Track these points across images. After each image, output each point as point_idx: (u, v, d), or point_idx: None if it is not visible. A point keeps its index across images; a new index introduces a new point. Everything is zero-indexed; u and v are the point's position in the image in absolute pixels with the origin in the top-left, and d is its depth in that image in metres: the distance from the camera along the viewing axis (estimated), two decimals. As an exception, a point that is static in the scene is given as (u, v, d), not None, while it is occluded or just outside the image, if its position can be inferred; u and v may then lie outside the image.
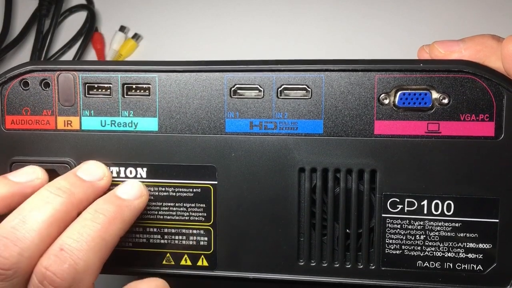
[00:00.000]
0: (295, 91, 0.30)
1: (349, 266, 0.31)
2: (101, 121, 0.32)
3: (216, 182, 0.31)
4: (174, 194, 0.31)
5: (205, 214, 0.31)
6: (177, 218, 0.32)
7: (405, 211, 0.30)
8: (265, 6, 0.54)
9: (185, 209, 0.32)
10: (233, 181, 0.31)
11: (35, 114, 0.32)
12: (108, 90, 0.31)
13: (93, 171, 0.30)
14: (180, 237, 0.32)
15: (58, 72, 0.32)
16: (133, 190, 0.30)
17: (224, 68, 0.30)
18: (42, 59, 0.55)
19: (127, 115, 0.31)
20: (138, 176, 0.32)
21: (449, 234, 0.30)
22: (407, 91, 0.29)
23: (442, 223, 0.30)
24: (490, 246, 0.29)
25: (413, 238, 0.30)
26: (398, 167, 0.30)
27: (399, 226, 0.30)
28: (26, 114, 0.32)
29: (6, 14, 0.57)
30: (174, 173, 0.31)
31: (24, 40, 0.57)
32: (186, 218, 0.32)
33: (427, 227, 0.30)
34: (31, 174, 0.30)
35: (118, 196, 0.29)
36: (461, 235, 0.30)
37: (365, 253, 0.31)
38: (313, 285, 0.31)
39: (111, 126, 0.32)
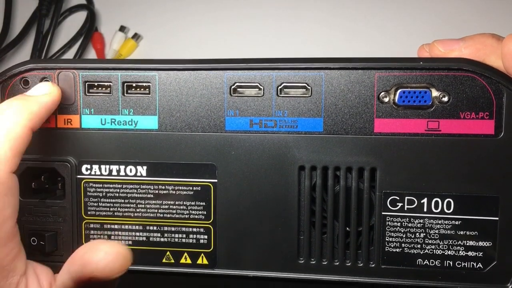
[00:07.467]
0: (295, 89, 0.30)
1: (349, 264, 0.31)
2: (101, 119, 0.32)
3: (216, 180, 0.31)
4: (174, 192, 0.31)
5: (205, 212, 0.31)
6: (177, 216, 0.32)
7: (405, 209, 0.30)
8: (265, 5, 0.54)
9: (185, 207, 0.32)
10: (233, 179, 0.31)
11: (35, 112, 0.32)
12: (108, 89, 0.31)
13: (39, 87, 0.31)
14: (180, 235, 0.32)
15: (58, 71, 0.32)
16: (40, 88, 0.30)
17: (224, 66, 0.30)
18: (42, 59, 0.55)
19: (127, 113, 0.31)
20: (138, 174, 0.32)
21: (449, 232, 0.30)
22: (407, 89, 0.29)
23: (442, 221, 0.30)
24: (490, 244, 0.29)
25: (413, 236, 0.30)
26: (398, 165, 0.30)
27: (399, 224, 0.30)
28: (26, 112, 0.32)
29: (6, 14, 0.57)
30: (174, 171, 0.31)
31: (24, 40, 0.57)
32: (186, 216, 0.32)
33: (427, 225, 0.30)
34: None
35: (25, 94, 0.30)
36: (461, 233, 0.30)
37: (365, 251, 0.31)
38: (313, 283, 0.31)
39: (111, 124, 0.32)
